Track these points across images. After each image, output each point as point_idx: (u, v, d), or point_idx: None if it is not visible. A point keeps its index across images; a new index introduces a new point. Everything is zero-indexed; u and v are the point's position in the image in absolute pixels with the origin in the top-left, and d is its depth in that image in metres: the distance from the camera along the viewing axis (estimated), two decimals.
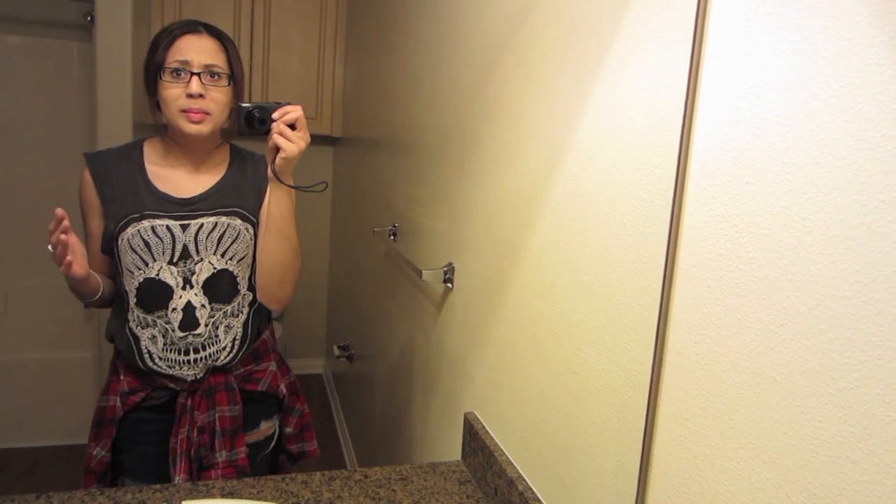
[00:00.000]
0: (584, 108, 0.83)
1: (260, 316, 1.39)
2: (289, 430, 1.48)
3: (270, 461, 1.49)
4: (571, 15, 0.87)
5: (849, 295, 0.46)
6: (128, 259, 1.25)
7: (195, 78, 1.19)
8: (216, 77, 1.22)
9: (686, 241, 0.63)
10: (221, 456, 1.31)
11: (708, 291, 0.60)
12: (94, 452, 1.32)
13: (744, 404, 0.55)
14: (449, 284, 1.37)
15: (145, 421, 1.34)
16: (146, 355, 1.28)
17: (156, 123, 1.30)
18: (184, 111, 1.20)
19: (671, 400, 0.65)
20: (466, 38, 1.31)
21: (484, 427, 1.15)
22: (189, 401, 1.31)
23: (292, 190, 1.24)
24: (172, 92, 1.20)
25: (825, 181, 0.48)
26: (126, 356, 1.31)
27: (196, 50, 1.21)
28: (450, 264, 1.36)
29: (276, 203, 1.22)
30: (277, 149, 1.15)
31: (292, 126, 1.16)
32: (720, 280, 0.58)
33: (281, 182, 1.18)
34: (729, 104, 0.58)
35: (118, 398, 1.32)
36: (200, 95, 1.20)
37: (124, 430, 1.34)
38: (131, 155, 1.30)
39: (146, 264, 1.25)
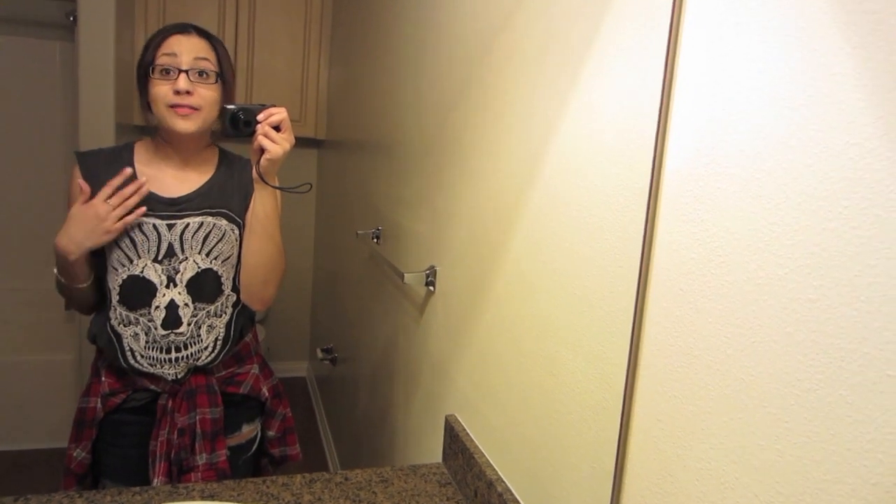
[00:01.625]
0: (562, 114, 0.84)
1: (243, 317, 1.39)
2: (271, 433, 1.48)
3: (253, 465, 1.49)
4: (549, 23, 0.88)
5: (813, 298, 0.47)
6: (113, 255, 1.25)
7: (183, 75, 1.20)
8: (204, 75, 1.23)
9: (660, 245, 0.64)
10: (202, 458, 1.31)
11: (681, 295, 0.61)
12: (74, 454, 1.31)
13: (714, 406, 0.56)
14: (431, 287, 1.37)
15: (126, 423, 1.33)
16: (128, 353, 1.28)
17: (147, 124, 1.31)
18: (172, 107, 1.21)
19: (645, 401, 0.66)
20: (449, 43, 1.32)
21: (464, 429, 1.16)
22: (170, 402, 1.30)
23: (277, 191, 1.25)
24: (161, 89, 1.21)
25: (792, 187, 0.49)
26: (108, 355, 1.30)
27: (185, 48, 1.22)
28: (432, 267, 1.37)
29: (261, 204, 1.23)
30: (262, 150, 1.16)
31: (277, 128, 1.17)
32: (692, 284, 0.60)
33: (265, 183, 1.20)
34: (702, 111, 0.59)
35: (99, 399, 1.32)
36: (188, 92, 1.21)
37: (105, 432, 1.33)
38: (122, 155, 1.31)
39: (131, 261, 1.25)
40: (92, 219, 1.19)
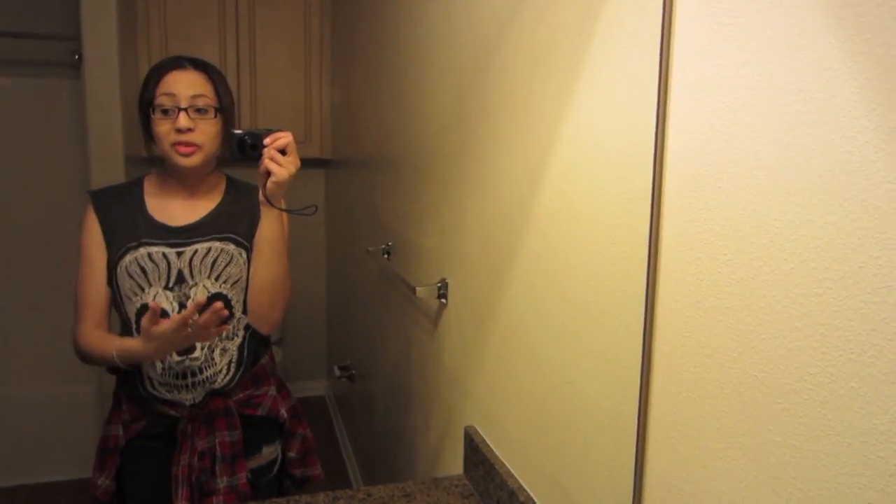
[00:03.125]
0: (561, 123, 0.85)
1: (256, 340, 1.40)
2: (291, 454, 1.48)
3: (275, 486, 1.49)
4: (544, 34, 0.89)
5: (820, 292, 0.47)
6: (126, 286, 1.27)
7: (182, 113, 1.22)
8: (203, 111, 1.25)
9: (666, 246, 0.65)
10: (222, 482, 1.32)
11: (689, 295, 0.61)
12: (99, 482, 1.33)
13: (729, 404, 0.57)
14: (443, 300, 1.38)
15: (147, 449, 1.34)
16: (146, 381, 1.30)
17: (151, 155, 1.34)
18: (174, 145, 1.24)
19: (661, 403, 0.66)
20: (449, 58, 1.33)
21: (484, 440, 1.16)
22: (189, 427, 1.32)
23: (283, 214, 1.27)
24: (163, 128, 1.24)
25: (792, 183, 0.50)
26: (127, 384, 1.32)
27: (182, 85, 1.24)
28: (443, 280, 1.38)
29: (268, 226, 1.25)
30: (268, 173, 1.18)
31: (283, 151, 1.19)
32: (700, 283, 0.60)
33: (272, 206, 1.21)
34: (698, 111, 0.60)
35: (120, 427, 1.34)
36: (189, 129, 1.23)
37: (127, 460, 1.35)
38: (132, 190, 1.35)
39: (143, 290, 1.27)
40: (185, 338, 1.18)
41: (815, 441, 0.48)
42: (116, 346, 1.22)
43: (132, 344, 1.21)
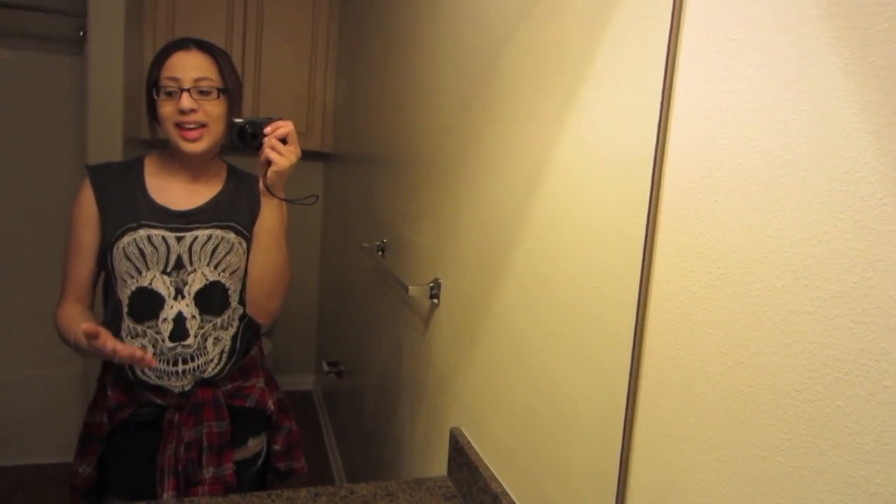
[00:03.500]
0: (562, 129, 0.85)
1: (250, 331, 1.39)
2: (277, 447, 1.48)
3: (258, 479, 1.49)
4: (551, 39, 0.89)
5: (811, 310, 0.48)
6: (122, 267, 1.26)
7: (185, 94, 1.22)
8: (206, 93, 1.24)
9: (660, 257, 0.65)
10: (209, 472, 1.31)
11: (681, 307, 0.62)
12: (80, 470, 1.32)
13: (716, 417, 0.57)
14: (435, 300, 1.38)
15: (133, 438, 1.33)
16: (136, 366, 1.29)
17: (154, 138, 1.33)
18: (178, 126, 1.24)
19: (648, 413, 0.67)
20: (454, 58, 1.34)
21: (469, 442, 1.16)
22: (176, 417, 1.31)
23: (283, 204, 1.27)
24: (167, 109, 1.24)
25: (788, 200, 0.50)
26: (115, 368, 1.31)
27: (186, 66, 1.23)
28: (436, 280, 1.38)
29: (268, 215, 1.25)
30: (269, 163, 1.18)
31: (284, 141, 1.18)
32: (692, 296, 0.60)
33: (272, 195, 1.21)
34: (700, 125, 0.60)
35: (105, 415, 1.32)
36: (192, 110, 1.23)
37: (111, 448, 1.33)
38: (132, 168, 1.33)
39: (139, 273, 1.26)
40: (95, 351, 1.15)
41: (799, 458, 0.48)
42: (76, 332, 1.15)
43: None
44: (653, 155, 0.65)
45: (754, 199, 0.53)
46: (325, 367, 2.81)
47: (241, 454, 1.40)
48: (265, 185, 1.20)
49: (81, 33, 2.54)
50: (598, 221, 0.76)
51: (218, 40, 2.89)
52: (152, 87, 1.26)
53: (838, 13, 0.46)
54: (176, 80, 1.23)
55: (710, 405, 0.58)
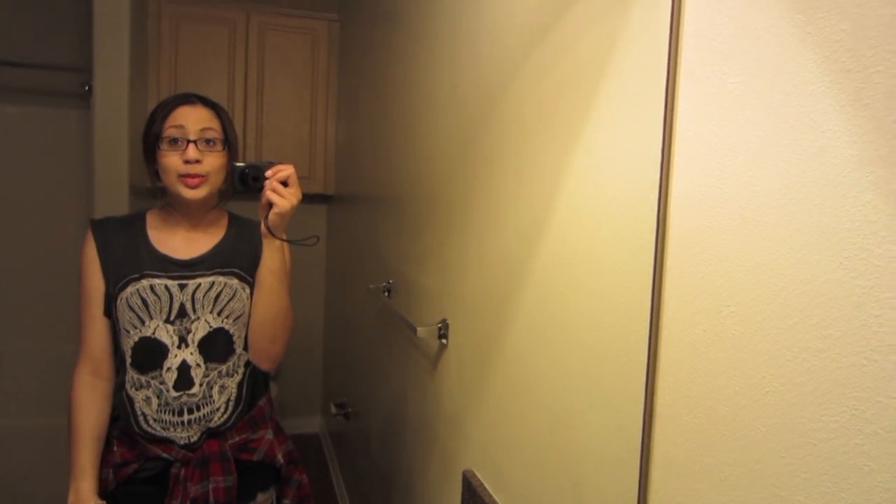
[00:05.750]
0: (566, 171, 0.86)
1: (255, 378, 1.39)
2: (286, 501, 1.45)
3: None
4: (551, 86, 0.91)
5: (823, 348, 0.48)
6: (125, 318, 1.27)
7: (191, 145, 1.24)
8: (211, 143, 1.27)
9: (669, 297, 0.66)
10: None
11: (692, 346, 0.62)
12: None
13: (732, 457, 0.57)
14: (444, 340, 1.38)
15: (138, 493, 1.31)
16: (140, 417, 1.28)
17: (154, 188, 1.35)
18: (181, 176, 1.25)
19: (663, 453, 0.66)
20: (455, 103, 1.36)
21: (482, 484, 1.15)
22: (182, 471, 1.29)
23: (285, 247, 1.28)
24: (171, 160, 1.25)
25: (795, 239, 0.51)
26: (120, 420, 1.30)
27: (191, 118, 1.26)
28: (444, 320, 1.38)
29: (270, 258, 1.26)
30: (270, 205, 1.20)
31: (284, 183, 1.20)
32: (703, 335, 0.60)
33: (274, 236, 1.23)
34: (703, 166, 0.61)
35: (111, 470, 1.30)
36: (197, 161, 1.25)
37: None
38: (134, 222, 1.35)
39: (143, 323, 1.27)
40: None
41: (819, 497, 0.48)
42: (75, 445, 1.28)
43: (78, 466, 1.26)
44: (656, 197, 0.66)
45: (760, 239, 0.54)
46: (333, 409, 2.78)
47: None
48: (267, 226, 1.22)
49: (87, 88, 2.59)
50: (607, 262, 0.77)
51: (220, 90, 2.96)
52: (155, 138, 1.27)
53: (836, 60, 0.48)
54: (182, 130, 1.25)
55: (725, 445, 0.57)
